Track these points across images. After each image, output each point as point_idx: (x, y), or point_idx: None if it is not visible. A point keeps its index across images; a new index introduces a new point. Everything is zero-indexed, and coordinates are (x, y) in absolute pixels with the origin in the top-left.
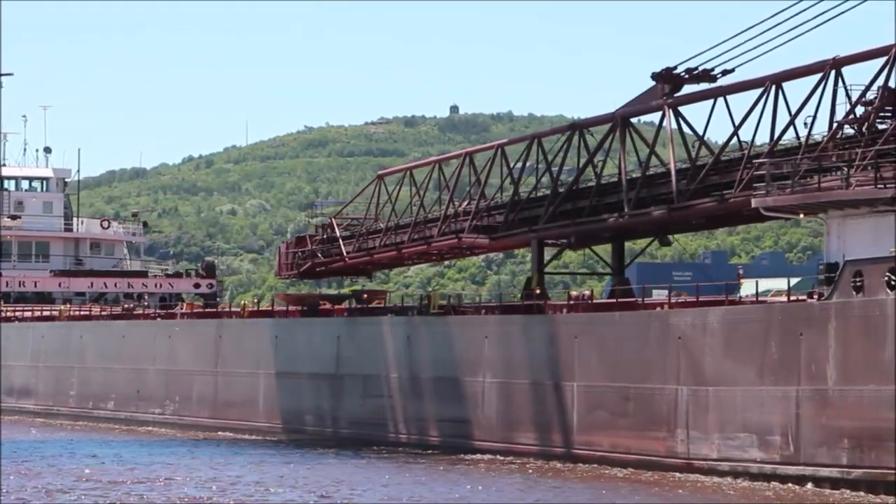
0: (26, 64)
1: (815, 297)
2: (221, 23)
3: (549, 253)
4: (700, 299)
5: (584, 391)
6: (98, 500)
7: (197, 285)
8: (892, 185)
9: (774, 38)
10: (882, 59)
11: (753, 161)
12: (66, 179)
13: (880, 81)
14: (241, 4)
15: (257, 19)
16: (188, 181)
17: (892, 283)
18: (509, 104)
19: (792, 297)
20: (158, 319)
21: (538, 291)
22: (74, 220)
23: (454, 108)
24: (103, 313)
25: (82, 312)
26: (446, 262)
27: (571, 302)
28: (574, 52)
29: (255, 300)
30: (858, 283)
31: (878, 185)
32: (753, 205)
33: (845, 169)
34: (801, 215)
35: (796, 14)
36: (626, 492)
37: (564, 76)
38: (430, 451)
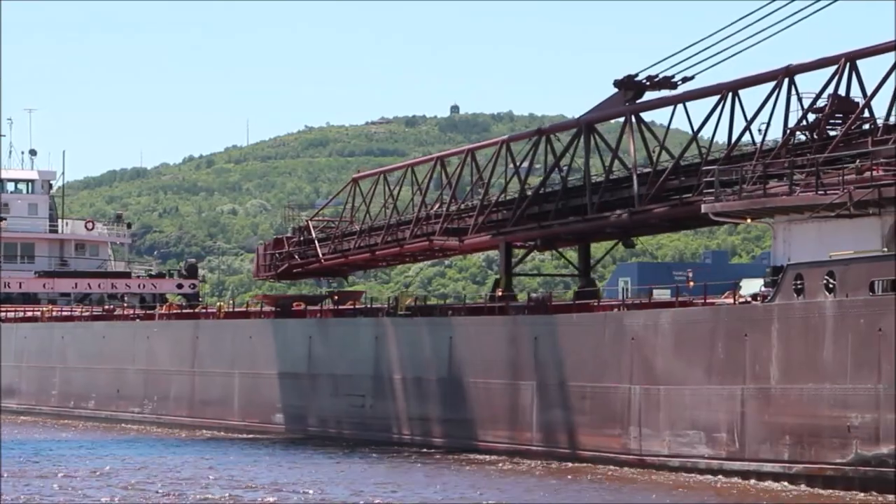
0: (26, 64)
1: (759, 299)
2: (222, 23)
3: (559, 252)
4: (652, 301)
5: (542, 390)
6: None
7: (180, 286)
8: (834, 192)
9: (733, 45)
10: (832, 68)
11: (703, 168)
12: (52, 181)
13: (831, 89)
14: (241, 4)
15: (257, 19)
16: (189, 181)
17: (830, 286)
18: (510, 104)
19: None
20: (137, 320)
21: (500, 294)
22: (59, 221)
23: (455, 108)
24: (84, 314)
25: (64, 313)
26: (447, 262)
27: (531, 303)
28: (574, 52)
29: (231, 301)
30: (799, 286)
31: (819, 192)
32: (703, 210)
33: (792, 176)
34: (749, 220)
35: (754, 22)
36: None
37: (565, 76)
38: (400, 449)
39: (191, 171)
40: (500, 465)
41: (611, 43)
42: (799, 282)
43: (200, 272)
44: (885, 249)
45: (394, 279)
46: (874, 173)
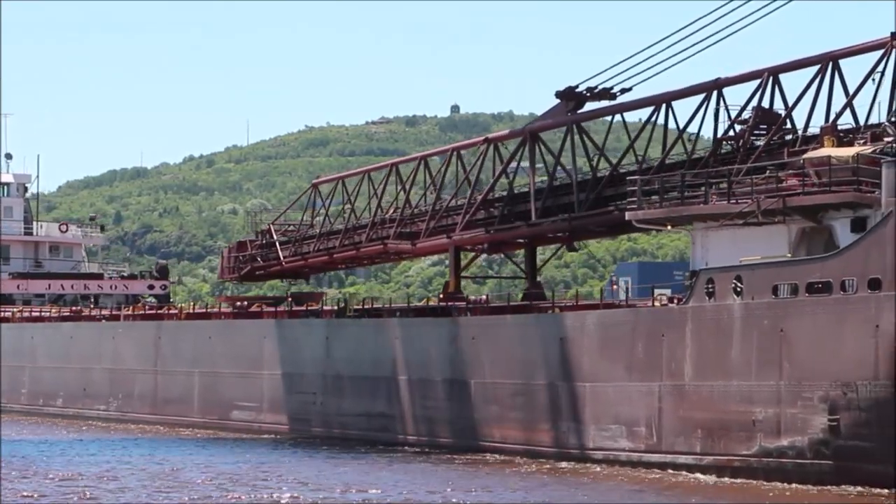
0: (25, 64)
1: (675, 301)
2: (222, 23)
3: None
4: (579, 303)
5: (481, 388)
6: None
7: (151, 287)
8: (745, 201)
9: (669, 58)
10: (757, 81)
11: (626, 178)
12: (27, 185)
13: (755, 102)
14: (241, 4)
15: (258, 19)
16: (189, 181)
17: (738, 289)
18: (510, 103)
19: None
20: (104, 321)
21: (440, 298)
22: (34, 224)
23: (455, 108)
24: (53, 315)
25: (34, 314)
26: (447, 262)
27: (471, 305)
28: (574, 52)
29: (192, 302)
30: (710, 290)
31: (731, 201)
32: (627, 217)
33: (708, 185)
34: (670, 227)
35: (689, 35)
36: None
37: (565, 76)
38: (349, 445)
39: (191, 171)
40: (445, 460)
41: (610, 43)
42: (710, 285)
43: (201, 271)
44: (789, 255)
45: (394, 279)
46: (781, 183)
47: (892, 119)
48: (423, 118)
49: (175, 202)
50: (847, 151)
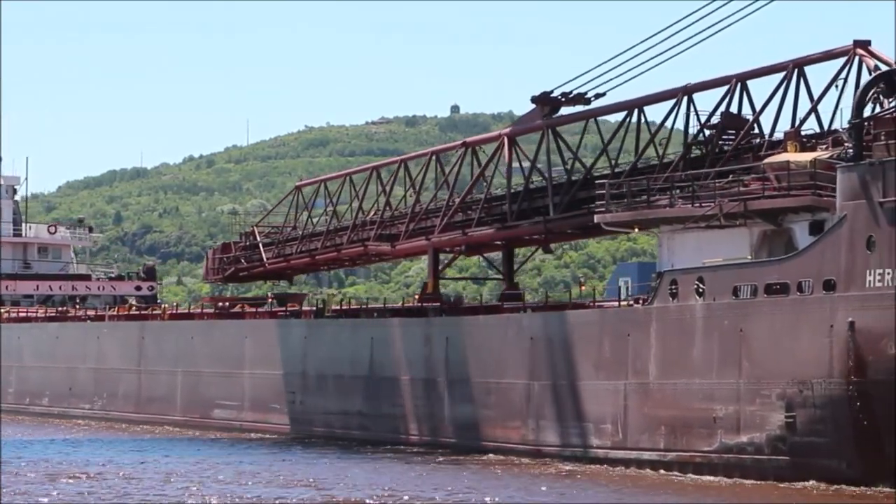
0: (25, 64)
1: (641, 302)
2: (222, 23)
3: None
4: (548, 303)
5: (454, 387)
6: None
7: (138, 288)
8: (708, 205)
9: (642, 63)
10: (726, 87)
11: (595, 181)
12: (16, 186)
13: (724, 107)
14: (241, 4)
15: (257, 19)
16: (189, 181)
17: (700, 290)
18: (510, 104)
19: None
20: (89, 322)
21: (416, 299)
22: (23, 225)
23: (455, 108)
24: (39, 315)
25: (21, 314)
26: (446, 262)
27: (444, 306)
28: (575, 52)
29: (175, 304)
30: (674, 291)
31: (695, 205)
32: (595, 220)
33: (673, 189)
34: (637, 230)
35: (661, 41)
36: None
37: (564, 76)
38: (328, 443)
39: (191, 171)
40: (416, 456)
41: (611, 42)
42: (673, 286)
43: (200, 272)
44: (750, 257)
45: (394, 279)
46: (743, 187)
47: (848, 126)
48: (423, 118)
49: (175, 202)
50: (805, 157)
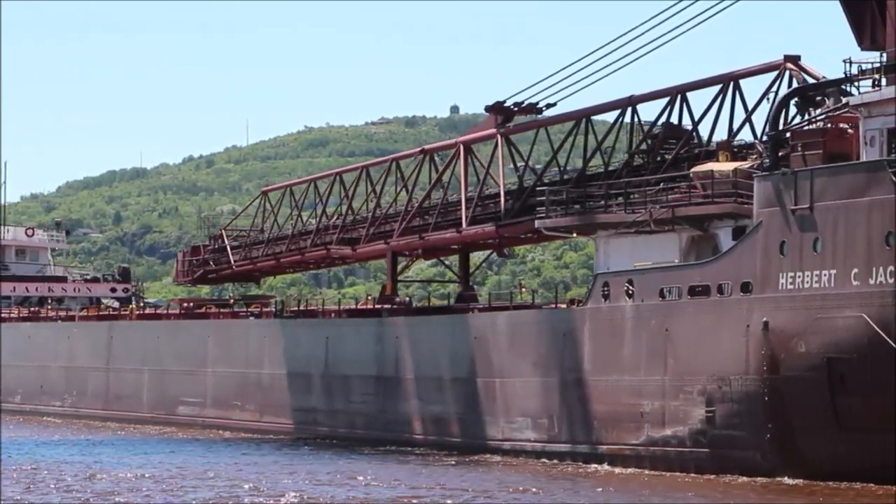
0: (25, 63)
1: (576, 303)
2: (222, 23)
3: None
4: (492, 305)
5: (403, 384)
6: None
7: (113, 289)
8: (639, 211)
9: (591, 74)
10: (667, 99)
11: (538, 188)
12: None
13: (665, 117)
14: (241, 4)
15: (257, 19)
16: (189, 181)
17: (630, 292)
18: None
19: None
20: (59, 322)
21: (368, 300)
22: (1, 228)
23: (454, 108)
24: (13, 315)
25: None
26: (447, 262)
27: (395, 307)
28: (575, 52)
29: (143, 304)
30: (606, 293)
31: (628, 211)
32: (536, 225)
33: (607, 196)
34: (576, 234)
35: (609, 53)
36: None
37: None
38: (285, 439)
39: (191, 171)
40: (367, 453)
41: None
42: (606, 288)
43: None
44: (677, 261)
45: None
46: (671, 195)
47: (765, 138)
48: (423, 118)
49: (174, 202)
50: (728, 166)
